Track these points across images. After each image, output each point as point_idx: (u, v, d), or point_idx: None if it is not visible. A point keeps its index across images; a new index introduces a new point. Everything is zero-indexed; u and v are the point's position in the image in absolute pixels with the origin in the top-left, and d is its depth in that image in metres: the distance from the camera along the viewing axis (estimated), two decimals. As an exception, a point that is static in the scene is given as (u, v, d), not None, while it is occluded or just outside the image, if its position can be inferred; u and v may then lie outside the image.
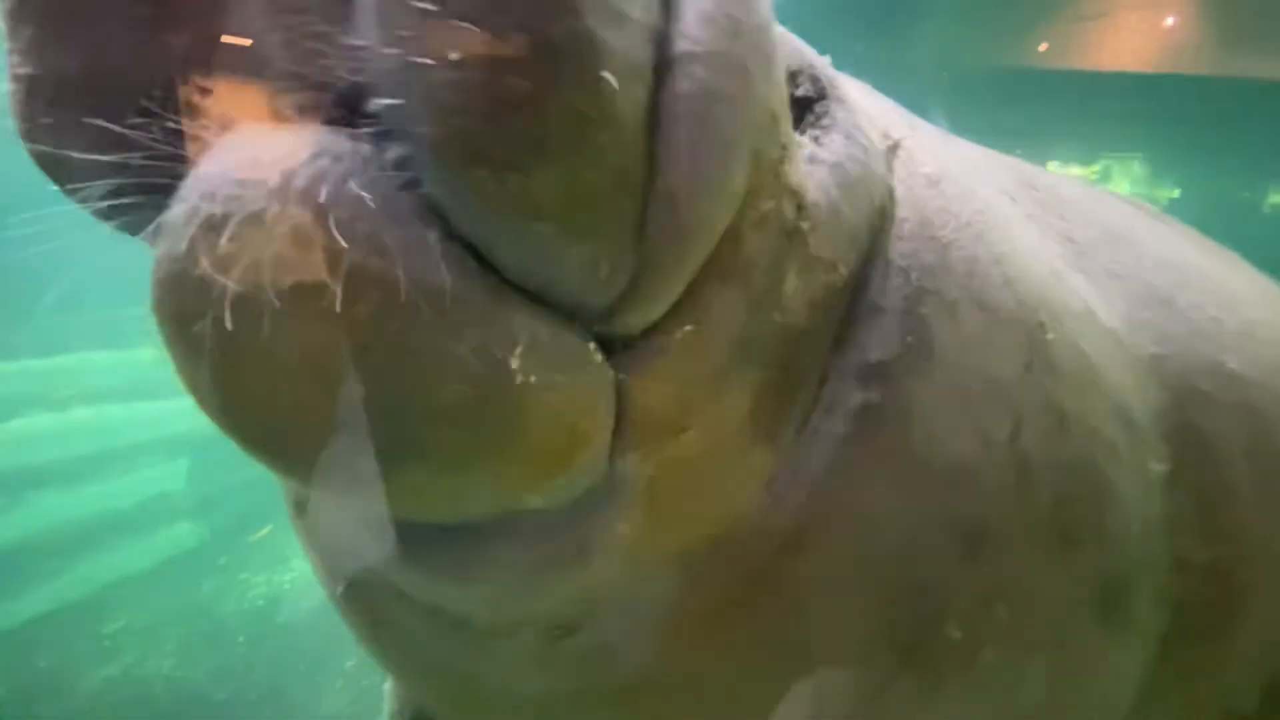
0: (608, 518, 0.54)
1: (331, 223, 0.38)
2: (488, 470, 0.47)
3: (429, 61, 0.37)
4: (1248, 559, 0.71)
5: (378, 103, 0.39)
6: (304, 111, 0.41)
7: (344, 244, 0.38)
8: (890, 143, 0.66)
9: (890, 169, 0.65)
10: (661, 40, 0.45)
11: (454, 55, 0.36)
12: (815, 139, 0.60)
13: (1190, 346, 0.73)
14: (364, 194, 0.38)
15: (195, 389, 0.46)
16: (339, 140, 0.39)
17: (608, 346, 0.49)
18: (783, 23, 0.59)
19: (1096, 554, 0.66)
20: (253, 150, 0.40)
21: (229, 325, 0.39)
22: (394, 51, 0.37)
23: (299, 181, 0.38)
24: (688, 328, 0.51)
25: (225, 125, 0.42)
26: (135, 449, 6.62)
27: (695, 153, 0.45)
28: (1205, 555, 0.70)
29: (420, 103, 0.38)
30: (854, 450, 0.59)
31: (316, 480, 0.48)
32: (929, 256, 0.63)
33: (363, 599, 0.68)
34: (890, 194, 0.64)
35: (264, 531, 6.11)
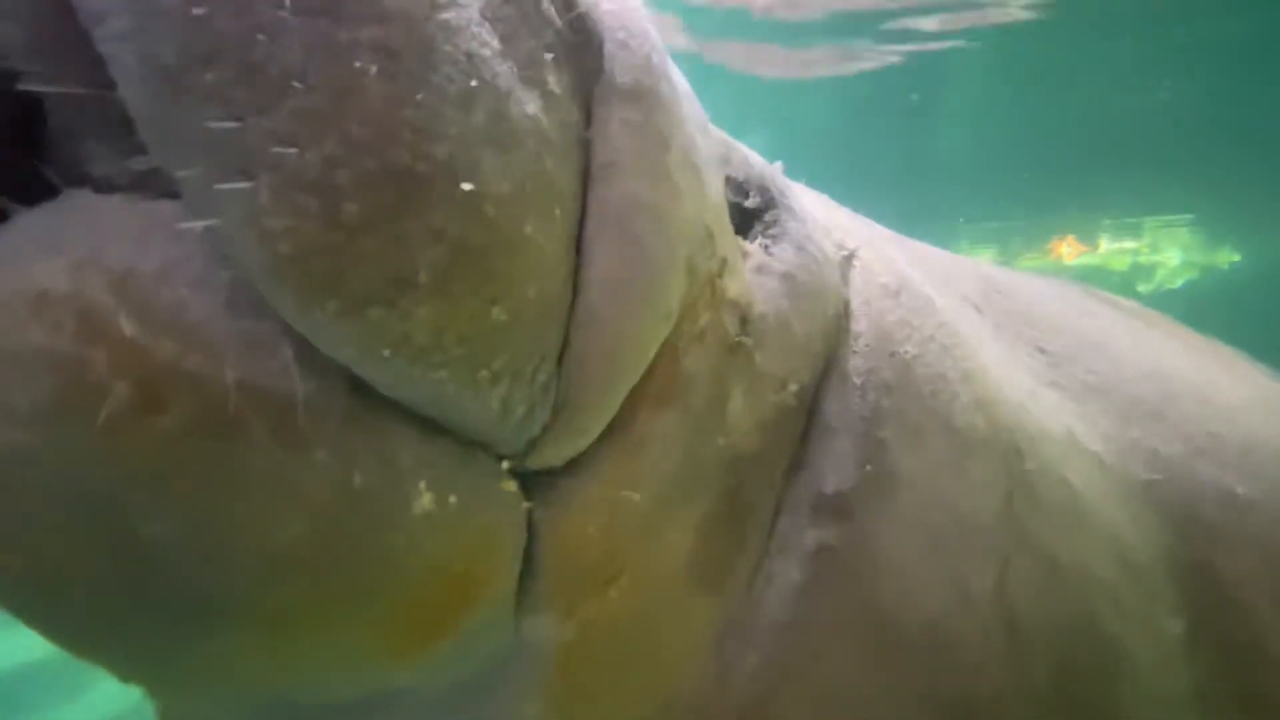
0: (514, 696, 0.45)
1: (128, 303, 0.30)
2: (338, 634, 0.37)
3: (242, 185, 0.29)
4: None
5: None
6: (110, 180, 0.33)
7: (143, 333, 0.29)
8: (845, 253, 0.61)
9: (846, 280, 0.60)
10: (583, 147, 0.40)
11: (278, 179, 0.29)
12: (765, 248, 0.56)
13: (1189, 469, 0.63)
14: (181, 271, 0.30)
15: None
16: (147, 211, 0.31)
17: (519, 473, 0.41)
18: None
19: None
20: (47, 217, 0.32)
21: None
22: (191, 173, 0.30)
23: (89, 255, 0.30)
24: (617, 455, 0.44)
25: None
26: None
27: (622, 269, 0.40)
28: None
29: (237, 227, 0.30)
30: (812, 604, 0.50)
31: (94, 649, 0.38)
32: (888, 373, 0.56)
33: None
34: (845, 306, 0.58)
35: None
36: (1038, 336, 0.67)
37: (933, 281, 0.63)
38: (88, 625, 0.37)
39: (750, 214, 0.56)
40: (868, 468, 0.53)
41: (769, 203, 0.57)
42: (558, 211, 0.38)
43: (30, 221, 0.32)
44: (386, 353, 0.33)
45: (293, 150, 0.30)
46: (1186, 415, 0.67)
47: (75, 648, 0.38)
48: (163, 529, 0.32)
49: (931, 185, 9.12)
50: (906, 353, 0.57)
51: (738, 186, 0.57)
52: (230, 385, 0.30)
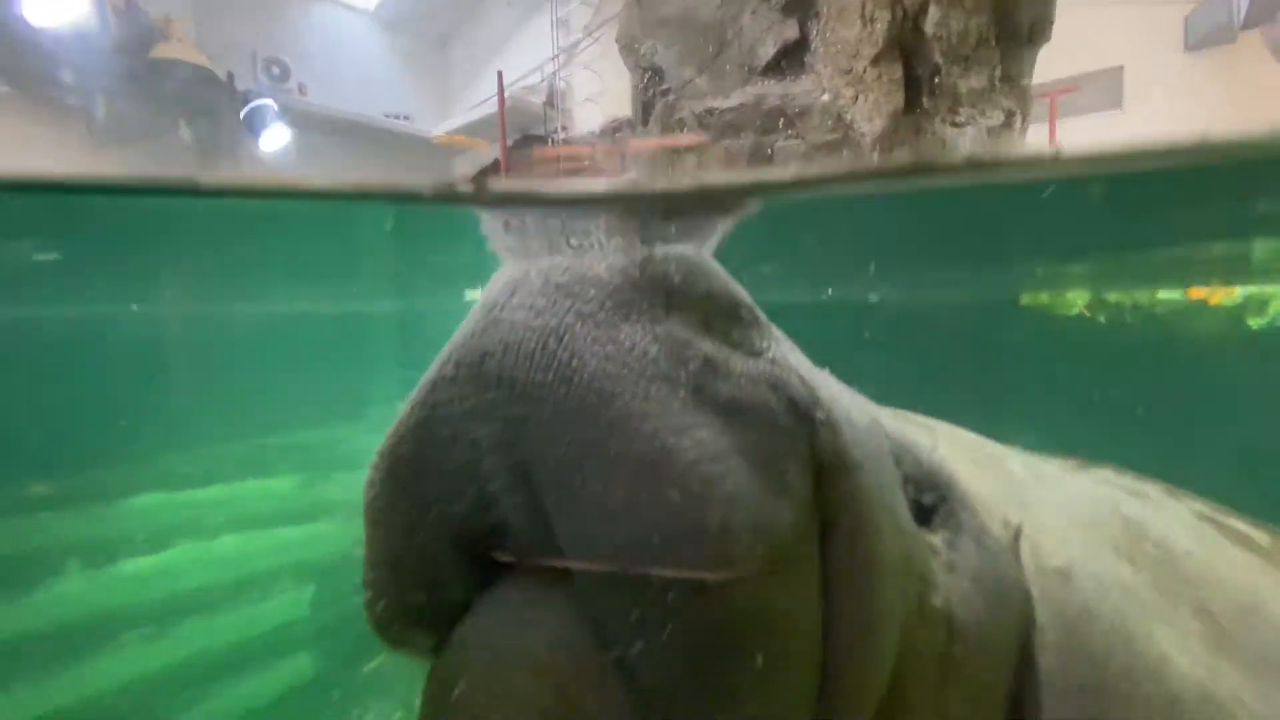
0: None
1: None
2: None
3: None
4: None
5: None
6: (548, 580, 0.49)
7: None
8: (1013, 531, 0.64)
9: (1020, 563, 0.62)
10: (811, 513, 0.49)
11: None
12: (948, 542, 0.60)
13: None
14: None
15: None
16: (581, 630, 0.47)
17: None
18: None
19: None
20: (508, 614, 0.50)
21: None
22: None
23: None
24: None
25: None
26: (271, 575, 7.04)
27: (860, 616, 0.49)
28: None
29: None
30: None
31: None
32: (1083, 671, 0.57)
33: None
34: (1028, 598, 0.60)
35: (375, 663, 6.23)
36: (1200, 598, 0.62)
37: (1080, 532, 0.61)
38: None
39: (927, 509, 0.60)
40: None
41: (943, 497, 0.62)
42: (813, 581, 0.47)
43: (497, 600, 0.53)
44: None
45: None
46: None
47: None
48: None
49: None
50: (1096, 649, 0.58)
51: (915, 484, 0.60)
52: None
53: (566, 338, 0.46)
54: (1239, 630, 0.65)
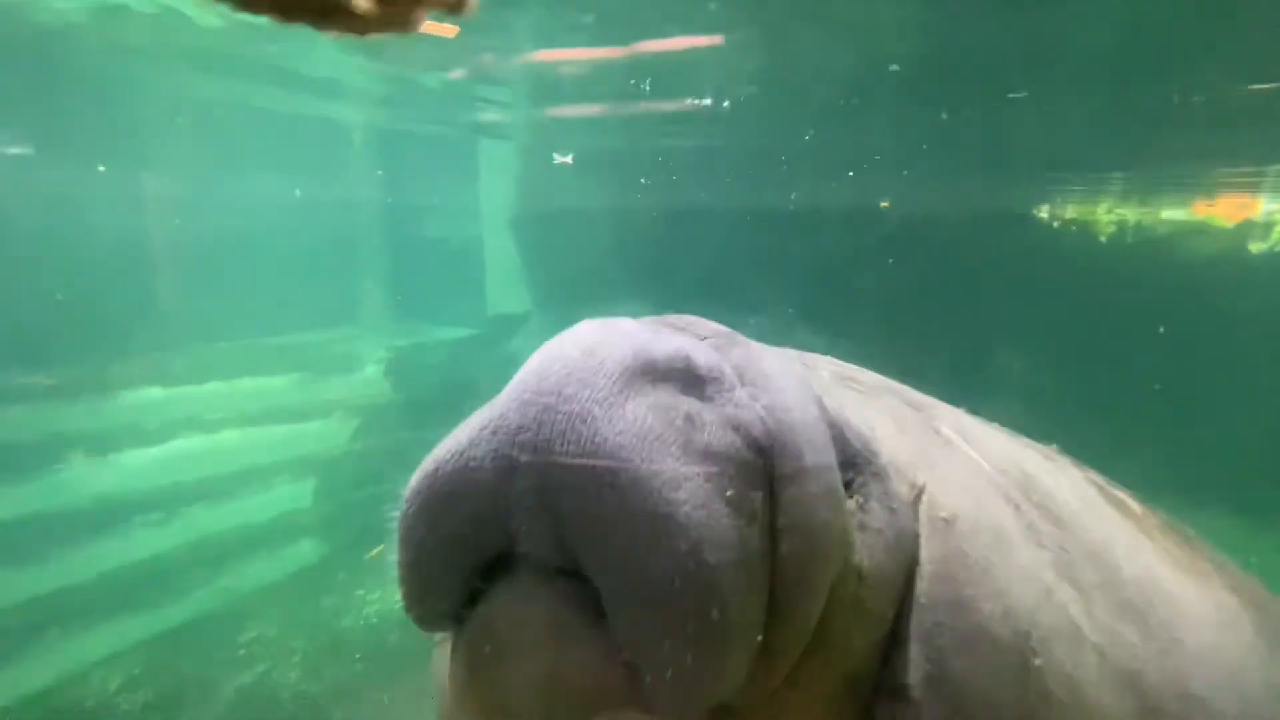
0: None
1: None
2: None
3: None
4: None
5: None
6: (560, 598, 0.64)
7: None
8: (916, 491, 0.80)
9: (917, 516, 0.79)
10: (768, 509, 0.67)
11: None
12: (861, 506, 0.77)
13: (1161, 666, 0.79)
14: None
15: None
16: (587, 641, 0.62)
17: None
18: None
19: None
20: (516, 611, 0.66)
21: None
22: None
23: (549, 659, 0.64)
24: (789, 691, 0.72)
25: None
26: (272, 469, 7.31)
27: (798, 599, 0.68)
28: None
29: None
30: None
31: None
32: (946, 594, 0.76)
33: None
34: (917, 540, 0.78)
35: (377, 550, 6.64)
36: (1063, 538, 0.83)
37: (982, 482, 0.79)
38: None
39: (848, 482, 0.77)
40: (928, 668, 0.74)
41: (862, 471, 0.78)
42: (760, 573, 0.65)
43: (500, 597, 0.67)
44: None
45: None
46: (1162, 620, 0.83)
47: None
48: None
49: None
50: (959, 576, 0.76)
51: (843, 463, 0.77)
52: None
53: (589, 420, 0.62)
54: (1085, 565, 0.84)
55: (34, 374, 6.70)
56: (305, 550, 6.68)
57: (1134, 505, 1.02)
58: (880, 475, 0.78)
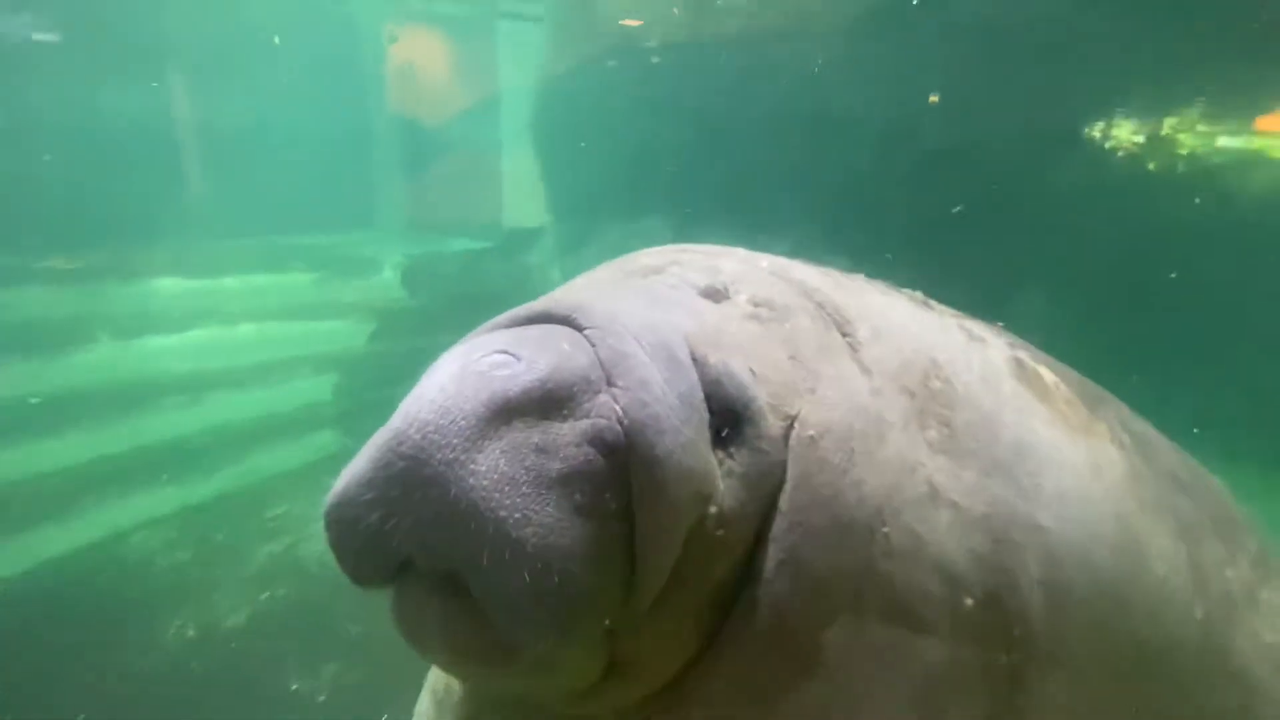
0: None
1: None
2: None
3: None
4: (1035, 659, 0.95)
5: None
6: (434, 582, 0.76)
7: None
8: (786, 422, 0.89)
9: (786, 442, 0.88)
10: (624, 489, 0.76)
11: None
12: (730, 454, 0.85)
13: (1013, 506, 0.95)
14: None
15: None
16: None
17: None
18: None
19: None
20: (414, 600, 0.80)
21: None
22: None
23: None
24: (657, 615, 0.83)
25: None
26: (291, 362, 7.55)
27: (655, 556, 0.79)
28: (1005, 660, 0.93)
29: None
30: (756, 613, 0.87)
31: None
32: (803, 499, 0.87)
33: None
34: (783, 464, 0.88)
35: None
36: (949, 415, 0.97)
37: (867, 385, 0.93)
38: None
39: (721, 436, 0.87)
40: (781, 556, 0.85)
41: (735, 419, 0.87)
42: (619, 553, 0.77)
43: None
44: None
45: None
46: (1028, 470, 0.98)
47: None
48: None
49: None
50: (818, 481, 0.86)
51: (718, 416, 0.86)
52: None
53: (442, 483, 0.70)
54: (965, 434, 0.94)
55: (53, 256, 6.81)
56: (327, 440, 7.00)
57: (1047, 376, 1.15)
58: (754, 418, 0.86)
